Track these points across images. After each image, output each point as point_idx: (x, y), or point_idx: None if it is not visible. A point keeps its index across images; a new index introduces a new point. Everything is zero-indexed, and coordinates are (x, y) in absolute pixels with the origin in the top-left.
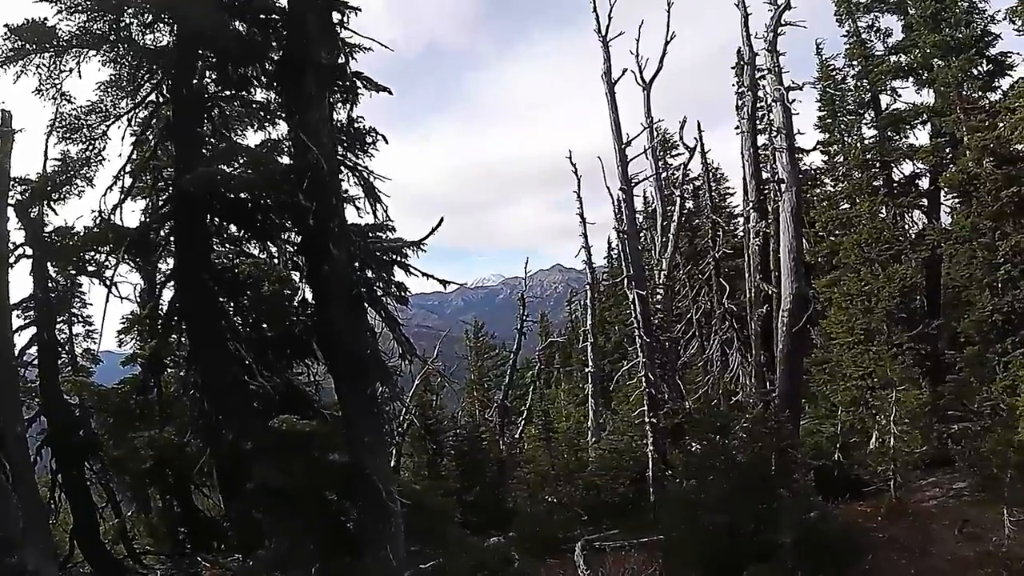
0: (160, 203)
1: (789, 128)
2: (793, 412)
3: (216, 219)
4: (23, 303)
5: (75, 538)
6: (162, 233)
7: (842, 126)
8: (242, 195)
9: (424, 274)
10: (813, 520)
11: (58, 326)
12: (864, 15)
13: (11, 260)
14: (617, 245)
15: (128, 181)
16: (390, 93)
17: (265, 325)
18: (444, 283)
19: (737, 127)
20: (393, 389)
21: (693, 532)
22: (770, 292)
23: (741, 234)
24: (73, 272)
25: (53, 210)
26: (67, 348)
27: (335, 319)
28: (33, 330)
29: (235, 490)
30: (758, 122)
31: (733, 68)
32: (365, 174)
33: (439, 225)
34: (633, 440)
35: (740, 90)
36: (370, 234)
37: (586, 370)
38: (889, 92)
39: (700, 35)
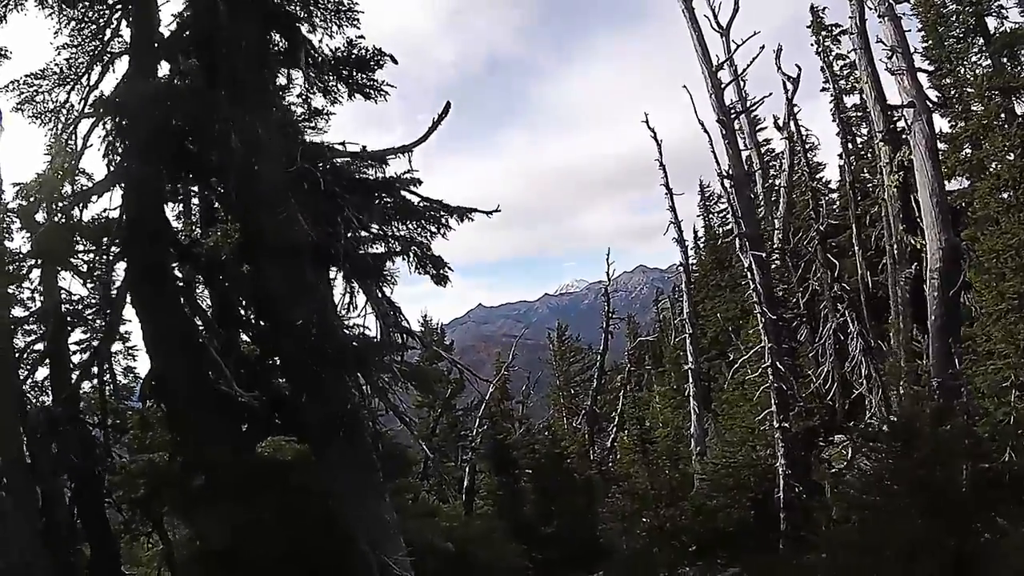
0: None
1: (905, 46)
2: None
3: (164, 167)
4: (31, 316)
5: (92, 571)
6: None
7: (950, 56)
8: (175, 122)
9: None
10: None
11: (92, 342)
12: None
13: (23, 272)
14: (703, 233)
15: (81, 140)
16: None
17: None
18: (463, 213)
19: (824, 86)
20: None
21: None
22: (918, 246)
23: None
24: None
25: (53, 211)
26: (105, 367)
27: (269, 276)
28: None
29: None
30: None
31: (809, 27)
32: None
33: (445, 114)
34: (755, 451)
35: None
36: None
37: (685, 367)
38: (995, 12)
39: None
